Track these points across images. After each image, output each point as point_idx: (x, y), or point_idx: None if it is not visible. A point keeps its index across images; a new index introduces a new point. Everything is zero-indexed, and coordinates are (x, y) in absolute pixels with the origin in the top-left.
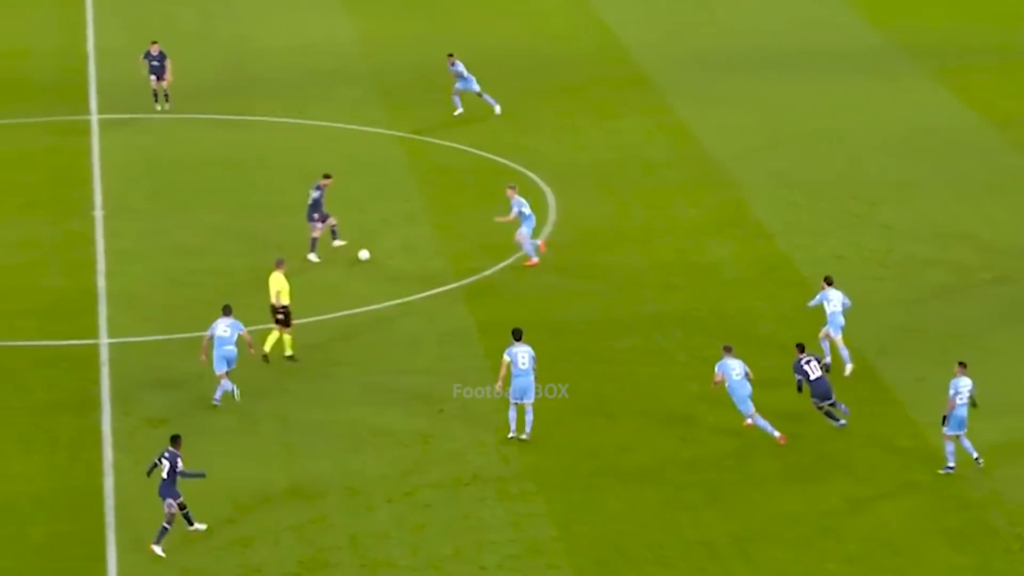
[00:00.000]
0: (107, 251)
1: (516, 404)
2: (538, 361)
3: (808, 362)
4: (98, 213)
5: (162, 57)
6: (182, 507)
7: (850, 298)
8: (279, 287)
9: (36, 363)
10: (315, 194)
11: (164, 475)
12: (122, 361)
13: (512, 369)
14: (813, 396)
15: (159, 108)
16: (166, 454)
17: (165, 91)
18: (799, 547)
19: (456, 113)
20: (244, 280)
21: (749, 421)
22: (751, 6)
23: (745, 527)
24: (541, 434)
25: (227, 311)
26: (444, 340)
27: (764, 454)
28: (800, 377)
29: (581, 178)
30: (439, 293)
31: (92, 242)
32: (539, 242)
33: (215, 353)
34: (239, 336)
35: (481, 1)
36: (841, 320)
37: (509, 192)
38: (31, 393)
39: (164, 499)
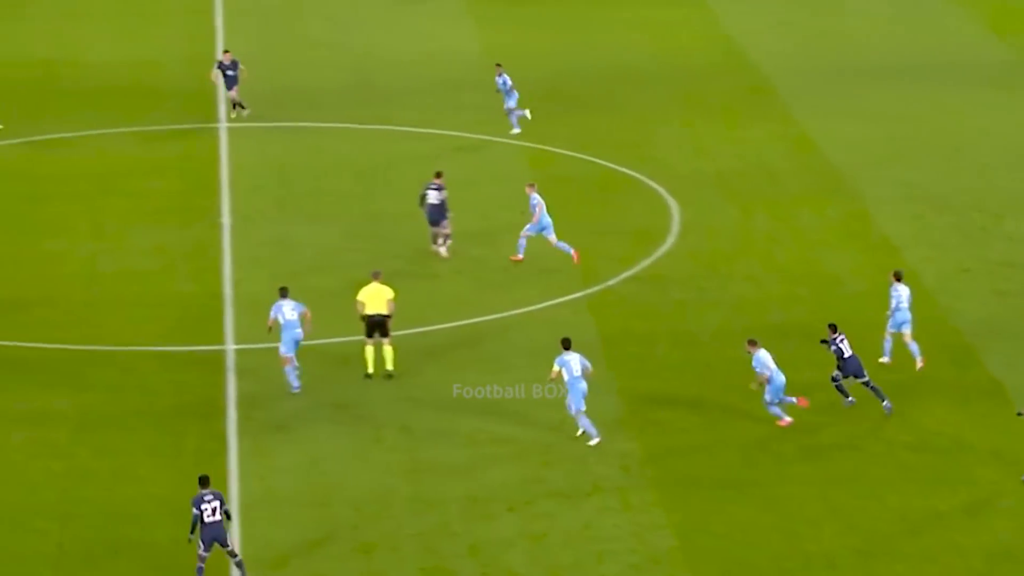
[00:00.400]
0: (234, 258)
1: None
2: (591, 370)
3: (842, 340)
4: (225, 220)
5: (234, 66)
6: (232, 555)
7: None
8: (387, 296)
9: (163, 368)
10: (441, 195)
11: (215, 516)
12: (248, 367)
13: (566, 377)
14: (845, 374)
15: (234, 116)
16: (208, 495)
17: (239, 100)
18: (922, 562)
19: (513, 132)
20: (360, 282)
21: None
22: (877, 18)
23: (866, 541)
24: (664, 445)
25: (285, 293)
26: None
27: (885, 465)
28: (836, 351)
29: (705, 188)
30: (563, 303)
31: (220, 249)
32: (572, 251)
33: (284, 337)
34: (302, 315)
35: (607, 13)
36: (907, 315)
37: (529, 189)
38: (158, 398)
39: (222, 545)
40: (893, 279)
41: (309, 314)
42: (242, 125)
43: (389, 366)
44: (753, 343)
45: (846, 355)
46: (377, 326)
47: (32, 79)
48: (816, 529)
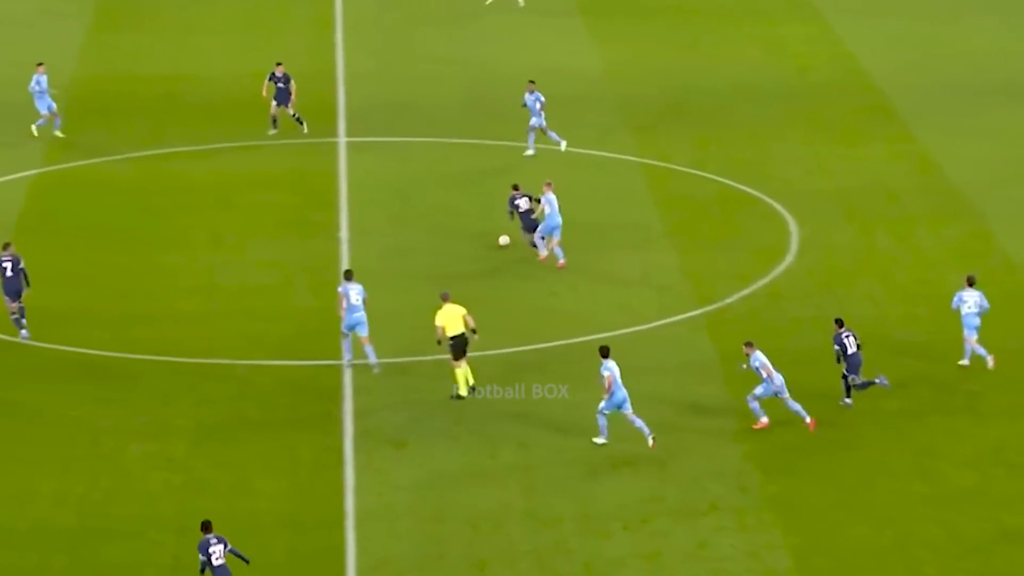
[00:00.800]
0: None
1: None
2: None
3: (847, 336)
4: (344, 235)
5: (287, 79)
6: None
7: (988, 301)
8: (461, 313)
9: (281, 382)
10: (529, 203)
11: (222, 559)
12: (364, 382)
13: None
14: (848, 369)
15: (271, 132)
16: (213, 539)
17: (296, 115)
18: None
19: (527, 153)
20: (490, 304)
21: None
22: (997, 35)
23: (985, 565)
24: (782, 464)
25: (350, 275)
26: (685, 368)
27: (1004, 486)
28: (838, 349)
29: (823, 206)
30: (680, 321)
31: (338, 263)
32: (561, 259)
33: (347, 318)
34: (365, 301)
35: (726, 29)
36: (976, 321)
37: (545, 188)
38: (276, 411)
39: None
40: (965, 284)
41: (365, 295)
42: (360, 140)
43: (471, 381)
44: (750, 344)
45: (849, 351)
46: (463, 347)
47: (155, 94)
48: (935, 552)
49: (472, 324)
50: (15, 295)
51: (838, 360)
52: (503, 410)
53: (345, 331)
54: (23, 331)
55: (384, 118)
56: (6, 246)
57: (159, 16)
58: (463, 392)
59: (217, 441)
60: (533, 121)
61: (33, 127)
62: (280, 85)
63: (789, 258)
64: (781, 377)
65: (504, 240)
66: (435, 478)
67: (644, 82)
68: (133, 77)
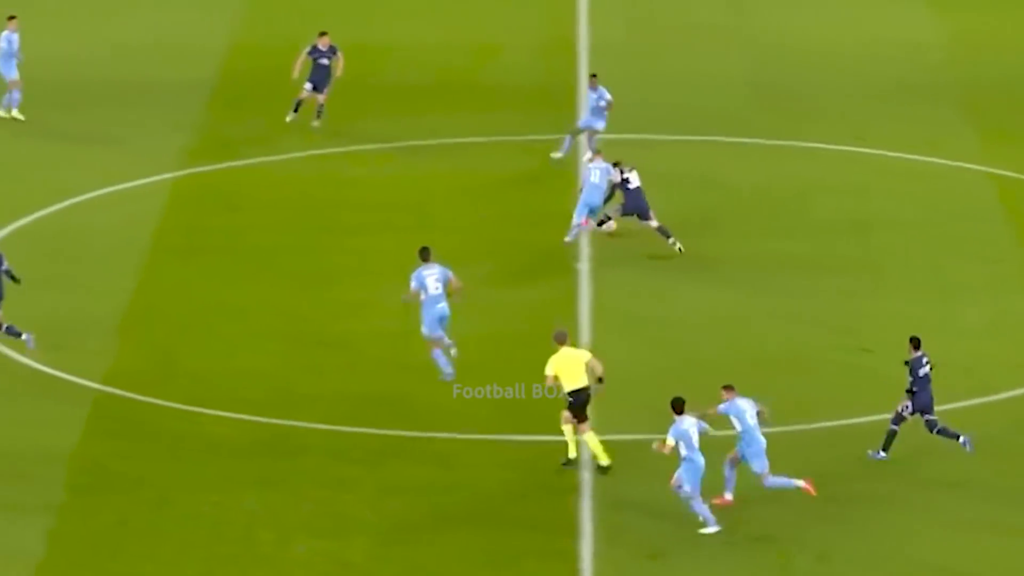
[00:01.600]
0: (593, 315)
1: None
2: None
3: (926, 363)
4: (583, 266)
5: (332, 52)
6: None
7: None
8: (584, 359)
9: (494, 462)
10: (638, 179)
11: None
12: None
13: (683, 452)
14: (915, 406)
15: (288, 119)
16: None
17: (320, 105)
18: None
19: (556, 156)
20: (779, 362)
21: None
22: None
23: None
24: None
25: (426, 255)
26: None
27: None
28: (912, 379)
29: None
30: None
31: (574, 305)
32: (584, 220)
33: (426, 315)
34: (449, 286)
35: None
36: None
37: (596, 157)
38: (487, 502)
39: None
40: None
41: (458, 282)
42: (609, 137)
43: (604, 460)
44: (730, 388)
45: (922, 383)
46: (586, 402)
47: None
48: None
49: (600, 371)
50: None
51: (910, 391)
52: (795, 507)
53: (429, 334)
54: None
55: (636, 107)
56: None
57: None
58: (572, 454)
59: (408, 541)
60: (587, 121)
61: (14, 111)
62: (323, 61)
63: None
64: (763, 441)
65: (610, 226)
66: None
67: (999, 64)
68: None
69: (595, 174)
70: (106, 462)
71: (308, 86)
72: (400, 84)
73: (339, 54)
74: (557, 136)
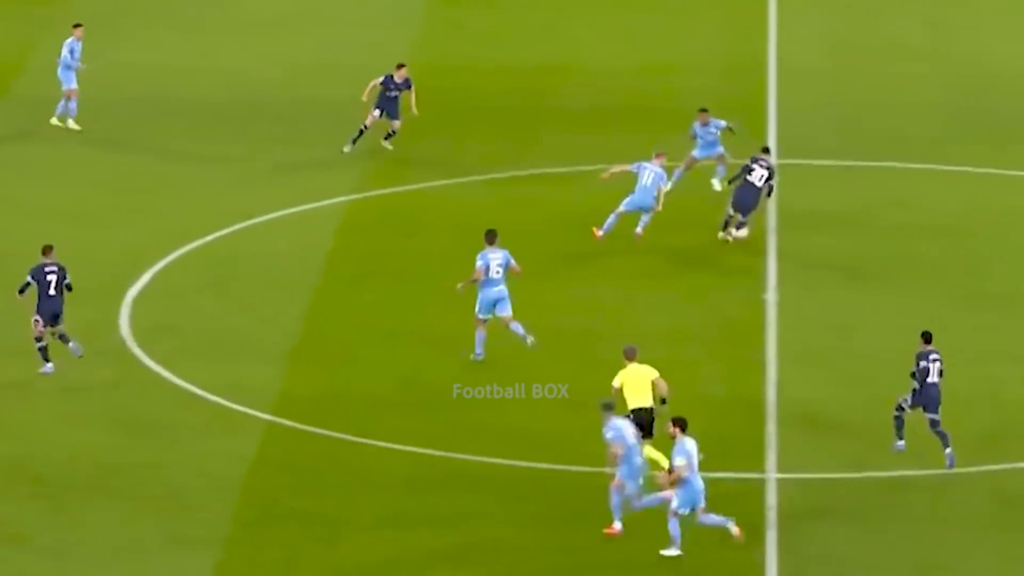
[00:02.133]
0: (780, 349)
1: None
2: None
3: (934, 360)
4: (770, 296)
5: (406, 86)
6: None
7: None
8: (651, 377)
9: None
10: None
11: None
12: (799, 508)
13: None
14: (915, 400)
15: (347, 150)
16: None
17: (392, 130)
18: None
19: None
20: (974, 400)
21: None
22: None
23: None
24: None
25: (493, 238)
26: None
27: None
28: (920, 372)
29: None
30: None
31: (761, 334)
32: (638, 230)
33: (483, 297)
34: (510, 270)
35: None
36: None
37: (657, 158)
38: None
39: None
40: None
41: (518, 267)
42: (798, 162)
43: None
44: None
45: (929, 380)
46: (650, 424)
47: (513, 92)
48: None
49: (664, 391)
50: (53, 319)
51: (917, 389)
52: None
53: (481, 315)
54: (48, 364)
55: (830, 133)
56: (48, 250)
57: None
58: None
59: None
60: (702, 153)
61: (70, 121)
62: (391, 94)
63: None
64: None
65: (743, 233)
66: None
67: None
68: (483, 68)
69: (648, 176)
70: (275, 495)
71: (376, 112)
72: (580, 106)
73: (412, 89)
74: (741, 160)
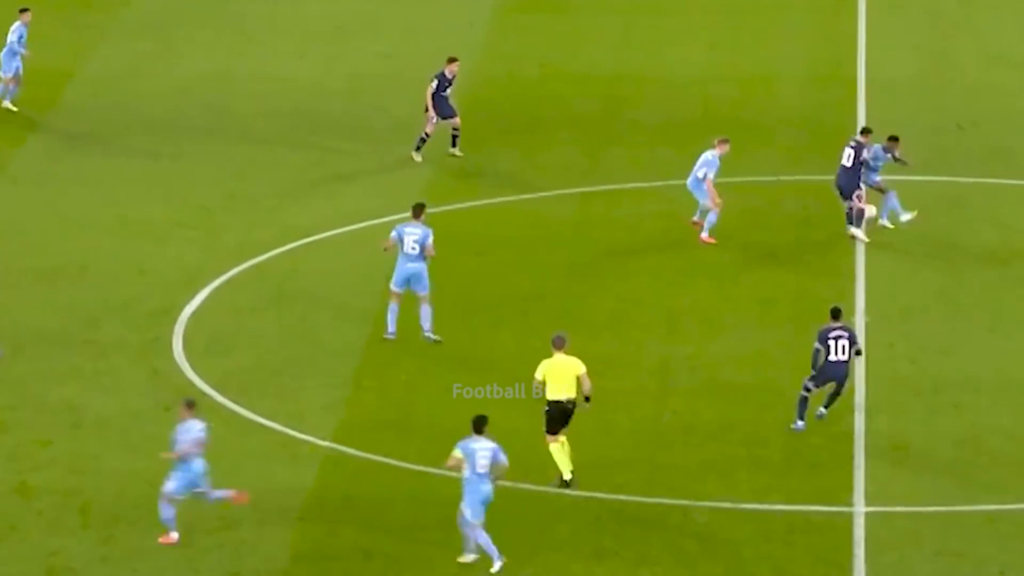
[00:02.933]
0: (869, 380)
1: None
2: None
3: (838, 338)
4: (859, 320)
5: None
6: None
7: None
8: (576, 371)
9: (759, 534)
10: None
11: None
12: (887, 541)
13: (466, 472)
14: (820, 377)
15: (418, 159)
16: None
17: (454, 129)
18: None
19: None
20: None
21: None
22: None
23: None
24: None
25: (418, 212)
26: None
27: None
28: (820, 348)
29: None
30: None
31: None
32: (703, 235)
33: (398, 270)
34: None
35: None
36: None
37: (720, 145)
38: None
39: None
40: None
41: (432, 250)
42: (888, 178)
43: (568, 474)
44: (190, 405)
45: (831, 357)
46: (567, 417)
47: (589, 100)
48: None
49: (588, 389)
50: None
51: (814, 364)
52: None
53: (395, 287)
54: None
55: (925, 147)
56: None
57: None
58: (567, 475)
59: None
60: (874, 179)
61: (6, 101)
62: (444, 94)
63: None
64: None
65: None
66: None
67: None
68: (557, 76)
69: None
70: (334, 527)
71: (435, 119)
72: (656, 117)
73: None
74: (828, 177)
